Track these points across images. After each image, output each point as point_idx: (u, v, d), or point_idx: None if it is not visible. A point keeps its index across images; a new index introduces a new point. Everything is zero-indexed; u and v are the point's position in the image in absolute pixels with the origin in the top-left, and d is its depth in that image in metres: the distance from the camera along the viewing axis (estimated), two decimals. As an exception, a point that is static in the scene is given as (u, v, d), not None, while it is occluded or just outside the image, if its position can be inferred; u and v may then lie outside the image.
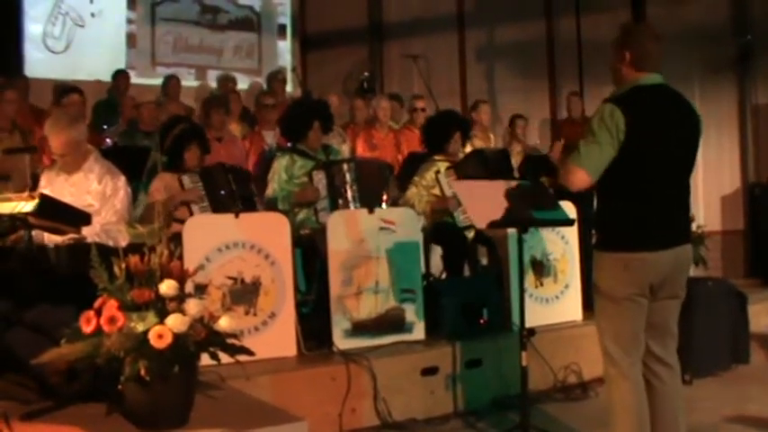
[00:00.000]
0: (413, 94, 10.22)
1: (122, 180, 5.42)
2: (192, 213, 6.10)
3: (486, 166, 6.81)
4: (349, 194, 6.28)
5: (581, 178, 3.94)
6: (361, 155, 8.65)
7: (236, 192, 6.30)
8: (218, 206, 6.16)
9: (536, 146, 10.04)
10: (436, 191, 6.84)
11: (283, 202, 6.34)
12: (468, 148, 7.77)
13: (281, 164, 6.44)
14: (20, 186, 6.29)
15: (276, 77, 10.75)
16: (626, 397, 4.02)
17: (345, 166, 6.38)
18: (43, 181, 5.47)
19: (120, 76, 10.02)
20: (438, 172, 6.84)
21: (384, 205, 6.28)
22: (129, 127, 8.58)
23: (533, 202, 4.94)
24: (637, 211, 3.96)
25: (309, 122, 6.47)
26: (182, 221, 5.69)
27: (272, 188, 6.41)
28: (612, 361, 4.05)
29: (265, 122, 8.68)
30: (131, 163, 6.41)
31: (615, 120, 3.85)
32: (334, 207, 6.18)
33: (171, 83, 9.98)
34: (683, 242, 4.11)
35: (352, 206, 6.22)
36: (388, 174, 6.71)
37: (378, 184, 6.49)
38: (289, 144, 6.77)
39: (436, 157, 7.03)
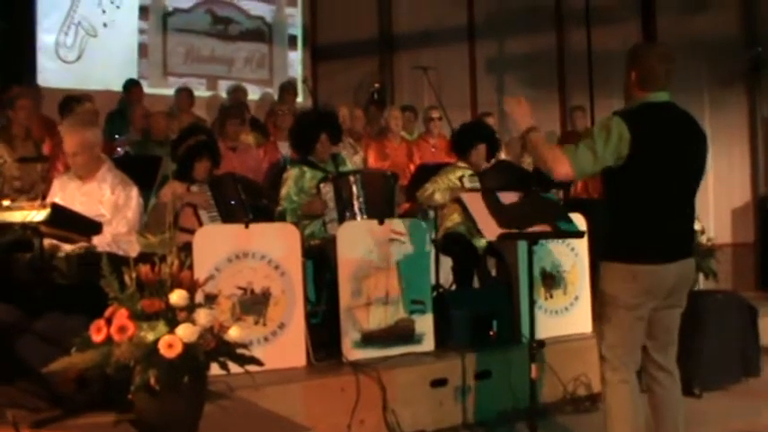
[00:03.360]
0: (425, 106, 10.24)
1: (134, 191, 5.44)
2: (200, 222, 6.12)
3: (511, 178, 6.82)
4: (356, 206, 6.28)
5: (565, 171, 4.05)
6: (373, 165, 8.67)
7: (245, 202, 6.32)
8: (227, 216, 6.17)
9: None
10: None
11: (292, 214, 6.34)
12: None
13: (290, 176, 6.45)
14: (31, 195, 6.32)
15: (288, 89, 10.79)
16: (625, 402, 4.14)
17: (352, 179, 6.37)
18: (55, 187, 5.49)
19: (134, 86, 10.04)
20: (462, 177, 6.85)
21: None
22: (142, 136, 8.62)
23: (543, 214, 4.96)
24: (645, 224, 4.07)
25: (316, 135, 6.47)
26: (191, 231, 5.71)
27: (281, 202, 6.41)
28: (613, 367, 4.17)
29: (280, 132, 8.71)
30: (142, 172, 6.42)
31: (620, 133, 3.97)
32: (341, 219, 6.19)
33: (181, 95, 10.01)
34: (688, 255, 4.23)
35: (359, 218, 6.22)
36: (392, 183, 6.70)
37: (384, 194, 6.49)
38: (298, 156, 6.79)
39: (460, 164, 7.05)
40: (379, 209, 6.26)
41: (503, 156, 9.26)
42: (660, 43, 4.51)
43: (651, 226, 4.07)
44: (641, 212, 4.07)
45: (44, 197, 5.49)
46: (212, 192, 6.32)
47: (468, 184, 6.80)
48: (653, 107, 4.10)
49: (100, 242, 4.98)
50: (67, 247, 4.95)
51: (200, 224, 6.08)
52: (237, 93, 10.63)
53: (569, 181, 4.20)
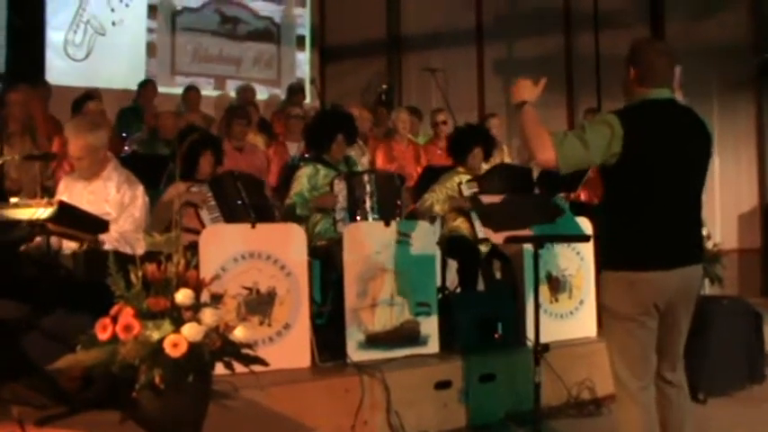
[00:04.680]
0: (432, 107, 10.23)
1: (140, 189, 5.45)
2: (202, 223, 6.11)
3: (511, 181, 6.84)
4: (368, 205, 6.30)
5: (547, 157, 3.81)
6: (380, 167, 8.68)
7: (246, 200, 6.31)
8: (229, 216, 6.16)
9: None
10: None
11: (302, 207, 6.36)
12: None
13: (304, 172, 6.47)
14: (30, 193, 6.31)
15: (296, 90, 10.81)
16: (634, 421, 3.95)
17: (366, 178, 6.43)
18: (62, 187, 5.51)
19: (147, 85, 10.08)
20: (461, 183, 6.87)
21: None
22: (149, 135, 8.64)
23: (549, 218, 4.95)
24: (641, 228, 3.88)
25: (333, 135, 6.51)
26: (195, 231, 5.72)
27: (292, 195, 6.43)
28: (621, 384, 3.99)
29: (290, 134, 8.72)
30: (149, 171, 6.43)
31: (612, 127, 3.79)
32: (352, 218, 6.20)
33: (190, 94, 10.04)
34: (692, 262, 4.00)
35: (370, 217, 6.24)
36: (398, 183, 6.72)
37: (391, 194, 6.51)
38: (308, 155, 6.81)
39: (459, 169, 7.06)
40: (389, 209, 6.28)
41: (506, 158, 9.28)
42: (657, 39, 4.26)
43: (649, 230, 3.87)
44: (638, 216, 3.87)
45: (48, 194, 5.49)
46: (213, 191, 6.30)
47: (466, 191, 6.82)
48: (653, 104, 3.92)
49: (108, 239, 4.99)
50: (73, 245, 4.96)
51: (201, 224, 6.08)
52: (246, 93, 10.64)
53: (551, 169, 3.95)
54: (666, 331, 4.02)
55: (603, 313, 4.09)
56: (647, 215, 3.88)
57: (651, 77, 3.96)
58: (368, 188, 6.36)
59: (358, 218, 6.25)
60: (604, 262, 4.06)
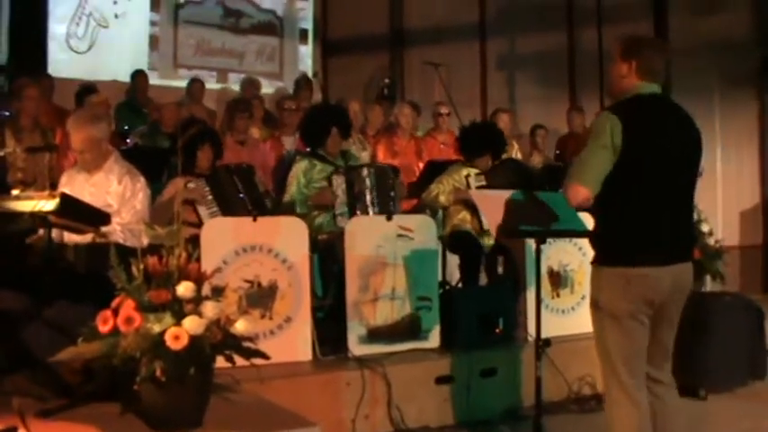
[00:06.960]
0: (435, 101, 10.21)
1: (142, 181, 5.45)
2: (199, 217, 6.10)
3: (518, 177, 6.81)
4: (368, 200, 6.28)
5: (579, 193, 3.83)
6: (382, 161, 8.66)
7: (244, 194, 6.30)
8: (226, 211, 6.15)
9: (555, 156, 10.02)
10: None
11: (301, 205, 6.36)
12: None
13: (300, 168, 6.46)
14: (39, 186, 6.32)
15: (303, 84, 10.79)
16: (633, 421, 3.89)
17: (365, 172, 6.39)
18: (64, 179, 5.51)
19: (139, 76, 10.07)
20: (468, 176, 6.87)
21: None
22: (151, 128, 8.63)
23: (551, 213, 4.93)
24: (638, 224, 3.85)
25: (327, 129, 6.50)
26: (194, 225, 5.71)
27: (290, 193, 6.43)
28: (620, 384, 3.91)
29: (285, 127, 8.70)
30: (151, 164, 6.43)
31: (611, 127, 3.77)
32: (352, 212, 6.19)
33: (195, 86, 10.03)
34: (684, 259, 3.99)
35: (370, 211, 6.23)
36: (391, 175, 6.67)
37: (386, 188, 6.49)
38: (308, 149, 6.79)
39: (466, 163, 7.06)
40: (386, 203, 6.27)
41: (518, 154, 9.26)
42: (656, 37, 4.21)
43: (644, 226, 3.84)
44: (631, 212, 3.84)
45: (53, 186, 5.50)
46: (209, 186, 6.29)
47: (474, 184, 6.82)
48: (644, 99, 3.91)
49: (112, 230, 5.00)
50: (75, 237, 4.96)
51: (198, 218, 6.08)
52: (250, 86, 10.62)
53: (590, 200, 3.92)
54: (657, 330, 3.98)
55: (598, 312, 3.97)
56: (642, 211, 3.85)
57: (649, 71, 3.94)
58: (367, 182, 6.34)
59: (358, 212, 6.23)
60: (599, 258, 3.99)
